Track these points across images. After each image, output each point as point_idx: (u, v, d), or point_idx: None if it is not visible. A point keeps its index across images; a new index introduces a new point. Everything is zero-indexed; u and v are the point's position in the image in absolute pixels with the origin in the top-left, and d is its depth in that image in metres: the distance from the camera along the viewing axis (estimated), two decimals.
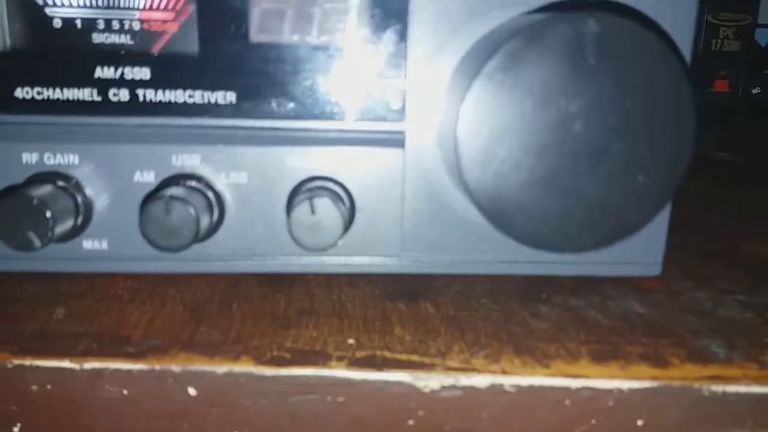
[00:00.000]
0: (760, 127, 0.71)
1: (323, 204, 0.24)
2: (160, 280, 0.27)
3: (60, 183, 0.24)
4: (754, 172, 0.54)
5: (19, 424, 0.22)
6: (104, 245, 0.26)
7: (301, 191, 0.25)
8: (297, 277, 0.28)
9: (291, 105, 0.26)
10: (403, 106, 0.26)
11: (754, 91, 0.75)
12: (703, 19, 0.69)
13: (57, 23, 0.24)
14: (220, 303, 0.25)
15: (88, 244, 0.26)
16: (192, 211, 0.23)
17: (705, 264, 0.31)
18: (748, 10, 0.70)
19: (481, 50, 0.23)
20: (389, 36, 0.25)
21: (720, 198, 0.44)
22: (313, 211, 0.24)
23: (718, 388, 0.21)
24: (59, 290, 0.26)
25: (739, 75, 0.71)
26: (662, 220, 0.27)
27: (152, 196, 0.24)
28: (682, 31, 0.25)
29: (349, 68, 0.26)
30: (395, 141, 0.26)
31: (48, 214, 0.22)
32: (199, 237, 0.24)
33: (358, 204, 0.26)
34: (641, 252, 0.27)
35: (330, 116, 0.26)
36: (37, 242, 0.23)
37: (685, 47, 0.25)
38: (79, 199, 0.25)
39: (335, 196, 0.25)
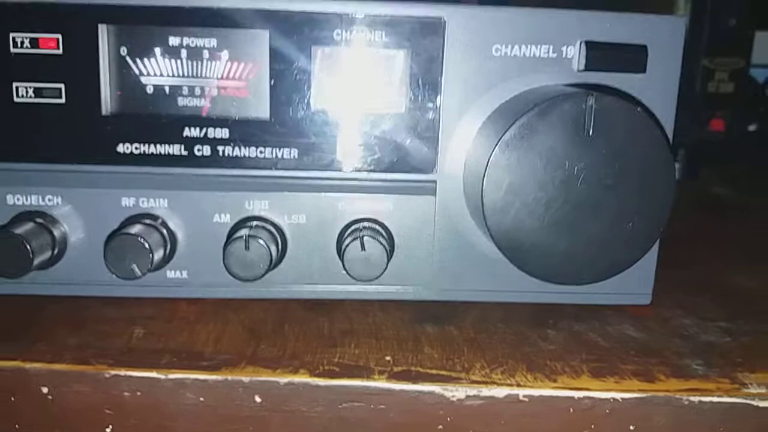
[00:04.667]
0: (756, 163, 0.74)
1: (371, 242, 0.27)
2: (220, 304, 0.30)
3: (151, 222, 0.28)
4: (745, 204, 0.56)
5: (111, 426, 0.25)
6: (185, 274, 0.29)
7: (351, 230, 0.29)
8: (336, 303, 0.31)
9: (343, 159, 0.29)
10: (435, 161, 0.29)
11: (751, 128, 0.77)
12: (700, 63, 0.72)
13: (150, 89, 0.28)
14: (273, 324, 0.28)
15: (171, 273, 0.29)
16: (266, 246, 0.27)
17: (694, 295, 0.33)
18: (742, 54, 0.73)
19: (500, 118, 0.27)
20: (425, 104, 0.29)
21: (714, 231, 0.46)
22: (363, 248, 0.27)
23: (695, 398, 0.24)
24: (133, 313, 0.29)
25: (733, 114, 0.73)
26: (651, 257, 0.30)
27: (232, 236, 0.27)
28: (664, 108, 0.29)
29: (391, 129, 0.29)
30: (428, 189, 0.30)
31: (149, 249, 0.26)
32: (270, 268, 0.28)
33: (396, 241, 0.30)
34: (634, 284, 0.31)
35: (375, 168, 0.29)
36: (138, 272, 0.26)
37: (667, 120, 0.29)
38: (167, 235, 0.28)
39: (380, 235, 0.28)
